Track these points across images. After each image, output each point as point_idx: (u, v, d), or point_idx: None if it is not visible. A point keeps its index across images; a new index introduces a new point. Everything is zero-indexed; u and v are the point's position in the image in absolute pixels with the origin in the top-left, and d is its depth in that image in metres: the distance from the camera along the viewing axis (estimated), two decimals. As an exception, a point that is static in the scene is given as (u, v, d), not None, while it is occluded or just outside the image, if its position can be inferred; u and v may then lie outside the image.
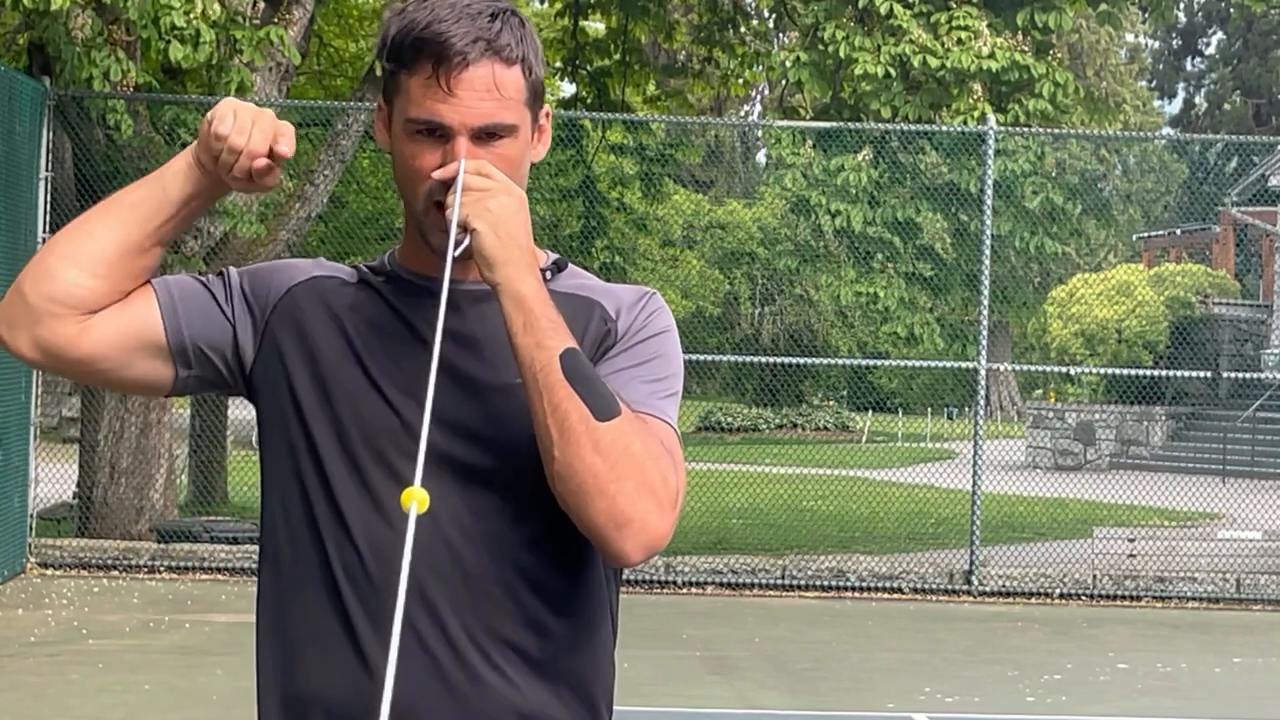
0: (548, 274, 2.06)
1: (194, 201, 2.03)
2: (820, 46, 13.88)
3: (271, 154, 1.98)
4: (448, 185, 1.94)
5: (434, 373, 1.81)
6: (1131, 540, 12.93)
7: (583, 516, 1.90)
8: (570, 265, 2.13)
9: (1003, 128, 13.14)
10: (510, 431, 1.97)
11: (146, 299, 2.05)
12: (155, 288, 2.06)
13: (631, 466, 1.88)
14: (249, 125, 1.96)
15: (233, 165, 1.96)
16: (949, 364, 15.00)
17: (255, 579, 2.14)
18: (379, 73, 2.10)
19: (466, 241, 1.90)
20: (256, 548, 2.25)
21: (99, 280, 2.00)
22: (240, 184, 1.99)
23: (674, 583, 12.08)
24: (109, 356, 2.03)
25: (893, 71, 13.35)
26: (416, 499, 1.72)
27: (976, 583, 12.25)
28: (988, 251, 12.65)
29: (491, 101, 1.97)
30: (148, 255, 2.03)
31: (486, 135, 1.98)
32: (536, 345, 1.89)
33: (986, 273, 12.66)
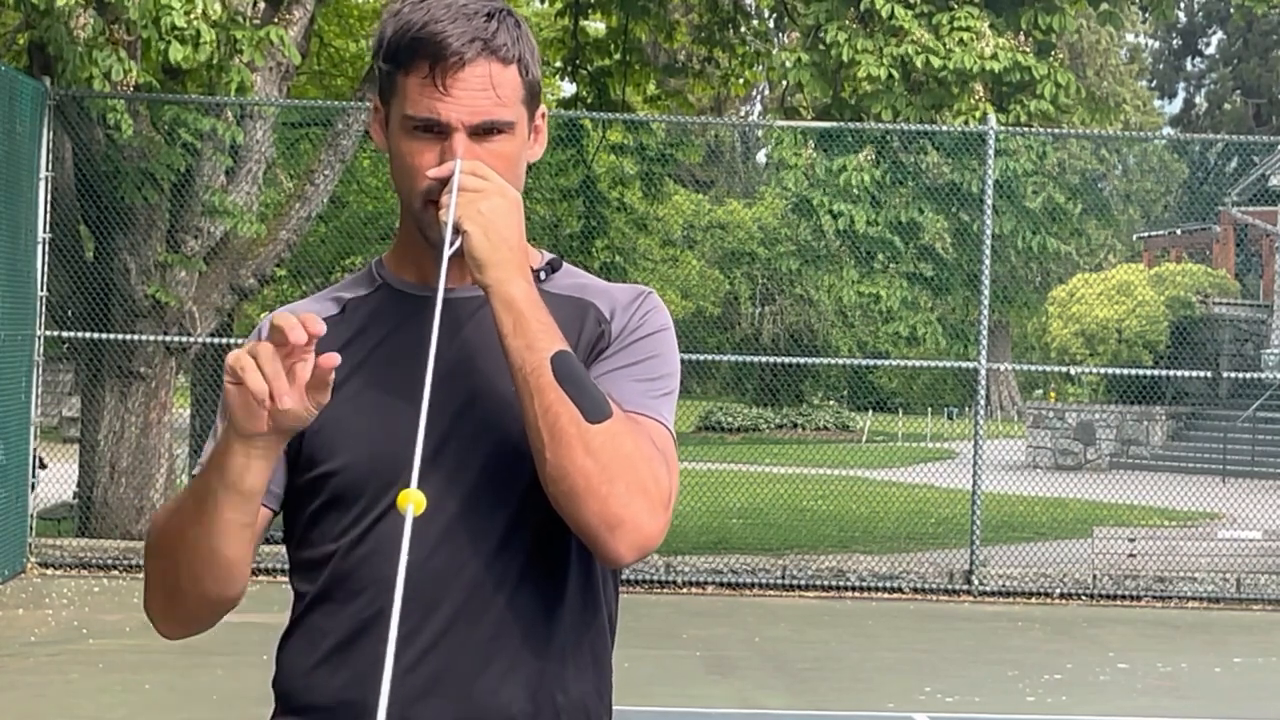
0: (541, 274, 2.05)
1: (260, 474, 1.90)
2: (821, 48, 13.87)
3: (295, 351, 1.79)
4: (444, 183, 1.94)
5: (430, 372, 1.80)
6: (1131, 540, 12.92)
7: (575, 518, 1.89)
8: (566, 265, 2.12)
9: (1003, 128, 13.13)
10: (505, 441, 1.96)
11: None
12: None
13: (623, 467, 1.87)
14: (255, 365, 1.78)
15: (268, 407, 1.79)
16: (949, 364, 14.99)
17: (253, 578, 2.18)
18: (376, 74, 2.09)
19: (459, 242, 1.90)
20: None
21: (240, 581, 2.10)
22: (292, 417, 1.82)
23: (674, 583, 12.07)
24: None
25: (895, 74, 13.34)
26: (413, 501, 1.71)
27: (976, 583, 12.24)
28: (988, 251, 12.64)
29: (488, 99, 1.96)
30: (251, 526, 1.99)
31: (483, 132, 1.97)
32: (527, 347, 1.88)
33: (987, 272, 12.65)
